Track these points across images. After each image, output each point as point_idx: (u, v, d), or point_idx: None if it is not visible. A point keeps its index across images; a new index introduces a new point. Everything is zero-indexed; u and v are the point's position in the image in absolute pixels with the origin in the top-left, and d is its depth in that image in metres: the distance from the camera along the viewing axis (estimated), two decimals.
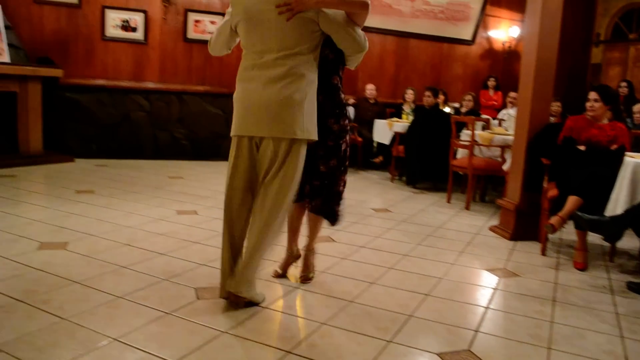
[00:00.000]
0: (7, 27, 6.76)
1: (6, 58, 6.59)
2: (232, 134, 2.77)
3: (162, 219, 4.43)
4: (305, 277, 3.19)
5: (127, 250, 3.57)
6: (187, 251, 3.62)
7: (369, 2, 2.64)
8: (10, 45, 6.72)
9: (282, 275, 3.24)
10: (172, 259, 3.44)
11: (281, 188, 2.66)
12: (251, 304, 2.74)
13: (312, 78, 2.68)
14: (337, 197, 3.06)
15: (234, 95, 2.78)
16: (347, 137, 2.98)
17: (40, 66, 7.00)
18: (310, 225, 3.16)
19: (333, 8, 2.63)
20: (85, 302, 2.68)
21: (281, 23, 2.59)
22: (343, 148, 2.97)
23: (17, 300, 2.65)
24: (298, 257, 3.28)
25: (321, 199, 3.01)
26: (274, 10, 2.58)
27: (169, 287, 2.95)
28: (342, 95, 2.93)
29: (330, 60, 2.82)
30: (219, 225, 4.21)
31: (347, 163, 3.04)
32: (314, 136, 2.70)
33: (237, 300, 2.71)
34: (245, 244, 2.77)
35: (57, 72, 7.12)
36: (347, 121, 2.95)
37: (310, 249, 3.23)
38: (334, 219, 3.09)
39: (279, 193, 2.66)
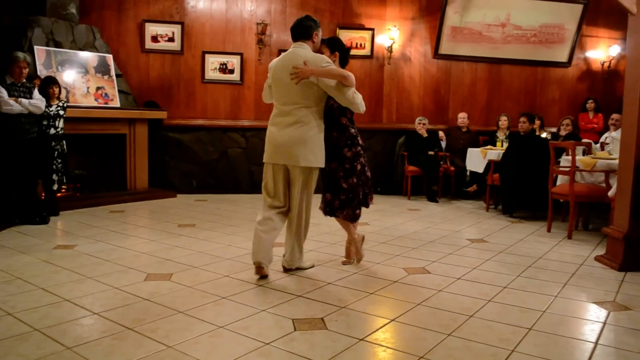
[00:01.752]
0: (118, 75, 7.36)
1: (117, 103, 7.15)
2: (264, 161, 3.91)
3: None
4: (346, 262, 4.21)
5: (227, 281, 3.70)
6: (284, 282, 3.69)
7: (347, 74, 3.66)
8: (120, 91, 7.29)
9: (348, 262, 4.22)
10: (270, 290, 3.51)
11: (302, 198, 3.86)
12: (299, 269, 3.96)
13: (316, 124, 3.76)
14: (359, 204, 3.99)
15: (267, 135, 3.89)
16: (362, 159, 3.96)
17: (146, 109, 7.55)
18: (343, 226, 4.17)
19: (323, 77, 3.67)
20: (189, 331, 2.80)
21: (293, 85, 3.69)
22: (359, 168, 3.94)
23: (126, 327, 2.81)
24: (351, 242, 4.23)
25: (348, 208, 3.96)
26: (288, 76, 3.69)
27: (267, 318, 3.01)
28: (353, 130, 3.93)
29: (336, 108, 3.86)
30: (313, 257, 4.32)
31: (363, 178, 3.98)
32: (316, 164, 3.78)
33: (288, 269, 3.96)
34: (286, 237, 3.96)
35: (161, 114, 7.63)
36: (359, 148, 3.94)
37: (349, 241, 4.21)
38: (353, 219, 4.02)
39: (302, 201, 3.87)
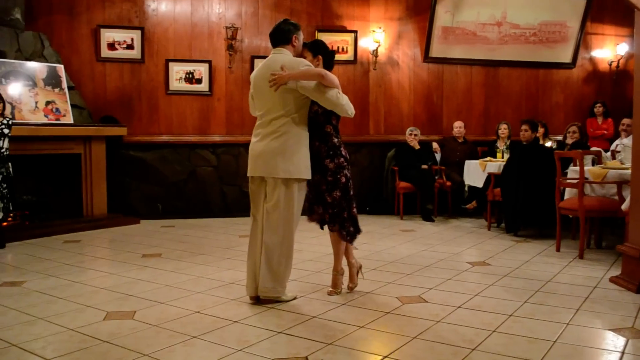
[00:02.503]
0: (70, 88, 7.32)
1: (70, 119, 7.11)
2: (248, 174, 4.05)
3: (233, 282, 4.52)
4: (332, 292, 4.18)
5: (197, 318, 3.65)
6: (262, 317, 3.66)
7: (325, 72, 3.82)
8: (73, 105, 7.26)
9: (334, 292, 4.19)
10: (246, 327, 3.48)
11: (280, 215, 3.90)
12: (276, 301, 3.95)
13: (296, 132, 3.88)
14: (349, 220, 4.07)
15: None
16: (346, 172, 4.04)
17: (103, 125, 7.52)
18: (333, 248, 4.21)
19: (300, 79, 3.80)
20: None
21: (272, 93, 3.83)
22: (342, 181, 4.01)
23: None
24: (342, 272, 4.27)
25: (338, 223, 4.04)
26: (267, 84, 3.81)
27: (244, 359, 2.98)
28: (336, 140, 4.03)
29: (321, 114, 3.97)
30: (295, 288, 4.30)
31: (351, 193, 4.08)
32: (297, 175, 3.87)
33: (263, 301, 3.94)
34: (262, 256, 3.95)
35: (120, 131, 7.59)
36: (342, 159, 4.03)
37: (336, 269, 4.22)
38: (348, 237, 4.10)
39: (279, 220, 3.91)
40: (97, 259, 5.61)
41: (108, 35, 7.84)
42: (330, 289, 4.22)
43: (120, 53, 7.90)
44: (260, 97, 3.95)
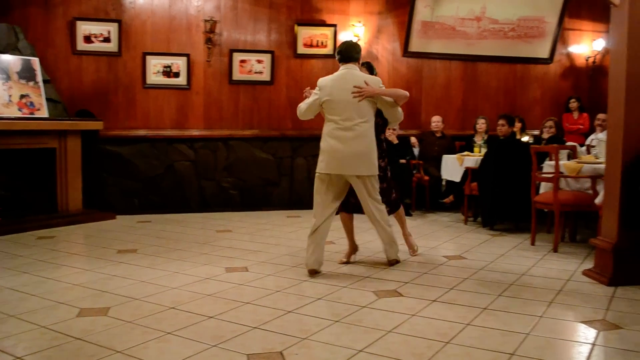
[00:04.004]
0: (46, 81, 7.22)
1: (45, 113, 7.01)
2: (322, 171, 4.62)
3: (210, 278, 4.51)
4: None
5: (172, 314, 3.64)
6: (238, 313, 3.65)
7: (408, 94, 4.75)
8: (48, 99, 7.15)
9: (347, 262, 5.03)
10: (222, 322, 3.47)
11: (375, 201, 4.70)
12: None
13: (372, 137, 4.61)
14: (393, 201, 5.18)
15: (322, 146, 4.64)
16: (388, 168, 5.18)
17: (79, 119, 7.42)
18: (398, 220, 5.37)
19: (388, 96, 4.63)
20: None
21: (355, 103, 4.53)
22: (389, 175, 5.18)
23: None
24: (356, 248, 5.21)
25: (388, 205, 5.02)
26: (350, 95, 4.52)
27: (219, 354, 2.97)
28: (383, 145, 5.06)
29: (380, 125, 4.91)
30: (271, 283, 4.31)
31: (392, 183, 5.23)
32: (374, 173, 4.63)
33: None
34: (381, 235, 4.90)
35: (96, 125, 7.50)
36: (386, 160, 5.13)
37: (404, 235, 5.44)
38: (391, 211, 5.14)
39: (375, 203, 4.71)
40: (72, 255, 5.55)
41: (84, 28, 7.73)
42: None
43: (97, 46, 7.80)
44: (339, 104, 4.54)
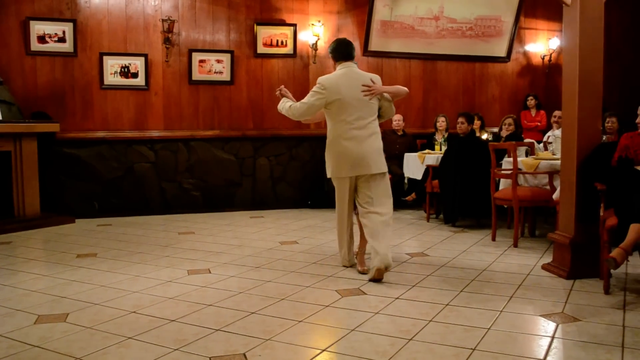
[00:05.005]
0: None
1: None
2: (341, 175, 4.58)
3: (171, 280, 4.45)
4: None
5: (133, 318, 3.58)
6: (200, 315, 3.61)
7: (407, 90, 4.89)
8: (2, 101, 6.97)
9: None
10: (184, 326, 3.42)
11: (390, 198, 4.62)
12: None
13: (379, 133, 4.64)
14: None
15: (336, 149, 4.56)
16: None
17: (35, 121, 7.24)
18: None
19: (392, 93, 4.73)
20: None
21: (366, 101, 4.52)
22: None
23: None
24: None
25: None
26: (360, 93, 4.49)
27: (181, 358, 2.94)
28: None
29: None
30: (234, 284, 4.27)
31: None
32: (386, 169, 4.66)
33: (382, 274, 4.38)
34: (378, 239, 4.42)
35: (53, 127, 7.34)
36: None
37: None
38: None
39: (387, 199, 4.60)
40: (29, 260, 5.41)
41: (38, 28, 7.55)
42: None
43: (52, 46, 7.62)
44: (351, 104, 4.48)
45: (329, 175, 4.70)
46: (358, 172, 4.51)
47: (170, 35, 7.97)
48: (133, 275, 4.63)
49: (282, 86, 4.87)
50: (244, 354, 2.96)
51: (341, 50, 4.62)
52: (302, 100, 4.59)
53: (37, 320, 3.56)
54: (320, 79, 4.57)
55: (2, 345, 3.14)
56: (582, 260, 4.34)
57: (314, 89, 4.55)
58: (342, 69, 4.61)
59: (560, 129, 6.80)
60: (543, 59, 9.73)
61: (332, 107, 4.53)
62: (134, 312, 3.70)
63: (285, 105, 4.69)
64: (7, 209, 7.05)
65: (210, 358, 2.92)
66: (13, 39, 7.51)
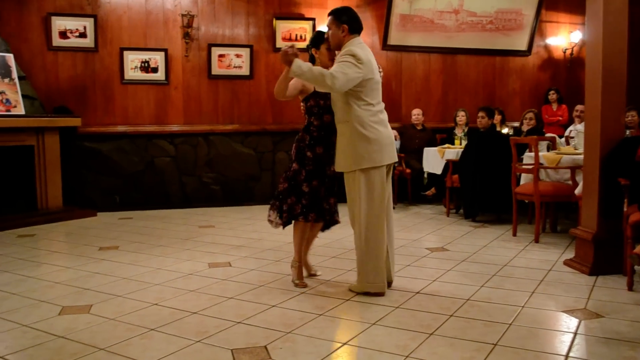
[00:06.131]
0: (21, 78, 7.11)
1: (21, 110, 6.91)
2: (384, 163, 3.88)
3: (192, 273, 4.49)
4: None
5: (155, 310, 3.62)
6: (221, 308, 3.64)
7: None
8: (24, 96, 7.05)
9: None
10: (205, 318, 3.46)
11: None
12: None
13: None
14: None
15: (372, 136, 3.82)
16: None
17: (57, 116, 7.33)
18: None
19: None
20: None
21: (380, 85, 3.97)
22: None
23: None
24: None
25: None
26: (379, 74, 3.95)
27: (203, 350, 2.96)
28: None
29: (313, 107, 4.09)
30: (255, 277, 4.29)
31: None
32: None
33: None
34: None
35: (74, 122, 7.42)
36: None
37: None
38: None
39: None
40: (53, 252, 5.50)
41: (59, 24, 7.63)
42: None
43: (73, 42, 7.70)
44: (378, 85, 3.94)
45: (366, 164, 3.81)
46: (393, 159, 3.97)
47: (189, 30, 8.01)
48: (154, 268, 4.68)
49: (293, 44, 3.89)
50: (265, 347, 2.98)
51: (358, 21, 3.93)
52: (340, 70, 3.68)
53: (61, 311, 3.61)
54: (355, 50, 3.76)
55: (28, 335, 3.20)
56: (605, 256, 4.30)
57: (350, 60, 3.71)
58: (361, 44, 3.89)
59: (582, 124, 6.75)
60: (564, 52, 9.63)
61: (363, 86, 3.80)
62: (156, 304, 3.74)
63: (314, 70, 3.71)
64: (30, 202, 7.15)
65: (232, 350, 2.94)
66: (35, 34, 7.59)
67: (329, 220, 4.31)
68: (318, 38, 4.12)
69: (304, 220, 4.10)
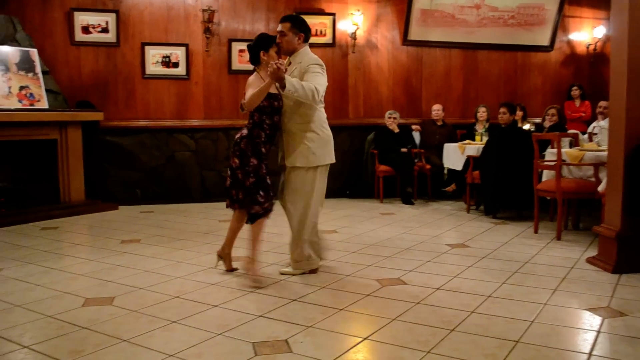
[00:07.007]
0: (45, 73, 7.19)
1: (45, 104, 6.99)
2: (332, 161, 4.31)
3: (213, 267, 4.51)
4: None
5: (177, 303, 3.65)
6: (242, 301, 3.66)
7: None
8: (48, 90, 7.13)
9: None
10: (226, 311, 3.48)
11: None
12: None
13: None
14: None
15: (326, 137, 4.27)
16: None
17: (79, 110, 7.41)
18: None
19: None
20: None
21: None
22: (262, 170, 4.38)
23: None
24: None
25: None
26: None
27: (224, 343, 2.98)
28: None
29: (266, 108, 4.16)
30: (275, 272, 4.30)
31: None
32: None
33: None
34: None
35: (97, 116, 7.50)
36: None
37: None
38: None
39: None
40: (75, 245, 5.57)
41: (82, 19, 7.70)
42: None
43: (95, 37, 7.78)
44: None
45: (321, 162, 4.23)
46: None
47: (210, 25, 8.04)
48: (176, 261, 4.72)
49: (284, 60, 4.21)
50: (286, 340, 2.99)
51: (310, 32, 4.31)
52: (317, 81, 4.01)
53: (84, 302, 3.66)
54: (319, 60, 4.18)
55: (53, 326, 3.24)
56: (628, 254, 4.25)
57: (319, 69, 4.10)
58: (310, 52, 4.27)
59: (605, 120, 6.66)
60: (588, 48, 9.52)
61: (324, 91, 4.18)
62: (178, 297, 3.77)
63: (304, 87, 3.90)
64: (53, 195, 7.24)
65: (253, 343, 2.95)
66: (58, 29, 7.67)
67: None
68: (268, 41, 4.25)
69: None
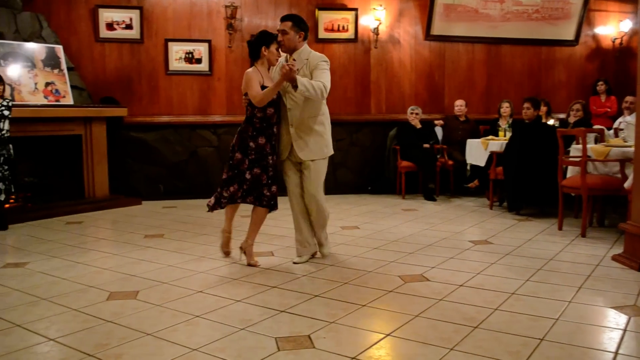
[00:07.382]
0: (70, 69, 7.29)
1: (70, 100, 7.08)
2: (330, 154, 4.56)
3: (235, 262, 4.54)
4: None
5: (200, 297, 3.67)
6: (265, 296, 3.67)
7: None
8: (73, 86, 7.22)
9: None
10: (249, 306, 3.49)
11: None
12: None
13: None
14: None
15: (329, 124, 4.57)
16: None
17: (104, 106, 7.49)
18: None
19: None
20: (159, 355, 2.78)
21: None
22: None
23: (87, 354, 2.78)
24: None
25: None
26: None
27: (247, 337, 3.00)
28: None
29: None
30: (297, 267, 4.32)
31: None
32: None
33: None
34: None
35: (121, 112, 7.57)
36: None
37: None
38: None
39: None
40: (100, 239, 5.63)
41: (106, 15, 7.78)
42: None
43: (119, 33, 7.85)
44: None
45: (331, 152, 4.58)
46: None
47: (233, 21, 8.06)
48: (198, 256, 4.75)
49: (293, 59, 4.41)
50: (309, 336, 2.99)
51: (308, 31, 4.52)
52: (325, 78, 4.26)
53: (109, 296, 3.70)
54: (323, 56, 4.41)
55: (78, 319, 3.28)
56: None
57: (326, 66, 4.35)
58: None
59: (631, 115, 6.57)
60: (614, 42, 9.37)
61: None
62: (201, 291, 3.79)
63: (314, 86, 4.14)
64: (78, 190, 7.33)
65: (276, 339, 2.96)
66: (83, 26, 7.76)
67: (269, 206, 4.59)
68: (269, 37, 4.39)
69: (241, 202, 4.51)
